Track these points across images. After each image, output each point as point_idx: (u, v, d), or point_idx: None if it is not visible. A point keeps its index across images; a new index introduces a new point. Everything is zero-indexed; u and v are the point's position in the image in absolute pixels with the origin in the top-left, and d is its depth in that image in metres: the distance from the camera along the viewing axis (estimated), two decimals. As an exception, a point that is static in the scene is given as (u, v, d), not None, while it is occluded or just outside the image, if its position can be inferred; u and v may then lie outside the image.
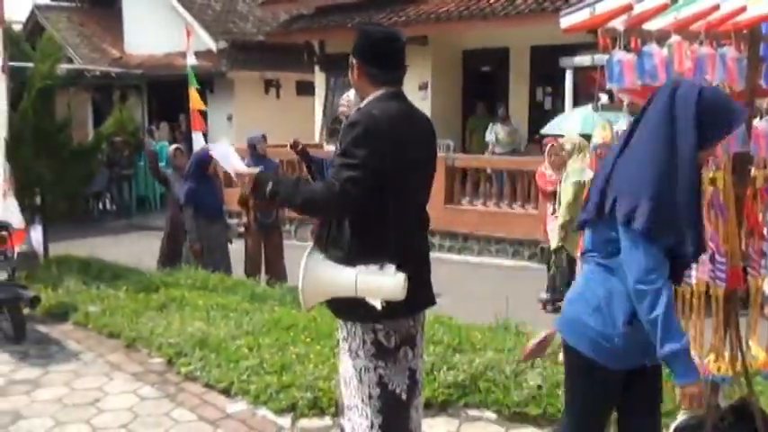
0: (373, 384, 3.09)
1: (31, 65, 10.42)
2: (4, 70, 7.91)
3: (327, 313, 5.69)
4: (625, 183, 2.61)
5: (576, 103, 12.13)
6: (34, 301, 6.42)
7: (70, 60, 19.34)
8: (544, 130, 9.63)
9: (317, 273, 2.95)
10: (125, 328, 6.18)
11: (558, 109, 13.27)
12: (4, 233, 6.59)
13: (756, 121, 3.34)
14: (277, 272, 9.00)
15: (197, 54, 13.25)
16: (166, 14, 19.82)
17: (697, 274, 3.26)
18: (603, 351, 2.71)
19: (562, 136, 8.76)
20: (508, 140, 14.16)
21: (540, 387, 4.56)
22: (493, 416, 4.52)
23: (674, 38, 3.12)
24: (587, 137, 6.99)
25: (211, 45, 18.92)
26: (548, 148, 8.70)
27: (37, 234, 8.98)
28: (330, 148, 12.84)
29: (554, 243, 8.20)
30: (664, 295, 2.51)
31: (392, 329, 3.08)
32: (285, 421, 4.56)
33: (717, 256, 3.26)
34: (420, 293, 3.12)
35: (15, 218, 7.41)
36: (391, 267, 2.91)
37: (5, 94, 7.87)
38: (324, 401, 4.56)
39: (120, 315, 6.50)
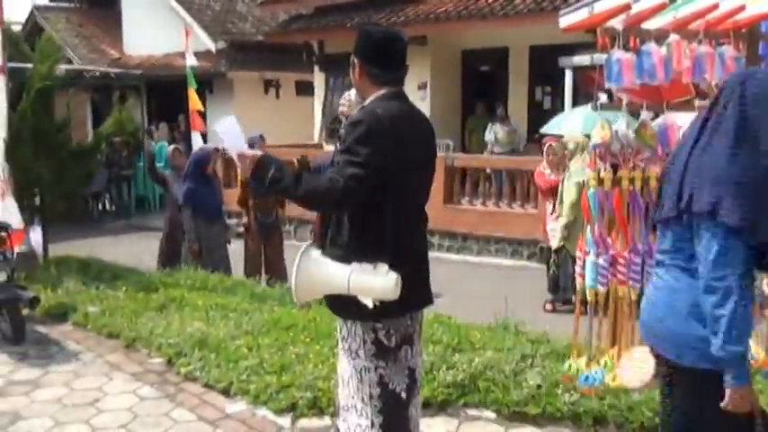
0: (374, 384, 3.09)
1: (30, 65, 10.39)
2: (4, 71, 7.91)
3: (327, 313, 5.71)
4: (705, 177, 2.50)
5: (575, 103, 12.14)
6: (33, 302, 6.42)
7: (69, 61, 19.33)
8: (544, 130, 9.64)
9: (311, 269, 2.95)
10: (124, 329, 6.18)
11: (557, 108, 13.27)
12: (3, 234, 6.59)
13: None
14: (277, 272, 9.00)
15: (196, 54, 13.27)
16: (165, 15, 19.82)
17: (696, 272, 3.25)
18: None
19: (561, 136, 8.76)
20: (507, 140, 14.17)
21: (539, 386, 4.55)
22: (492, 415, 4.51)
23: (673, 37, 3.13)
24: (590, 137, 7.00)
25: (210, 45, 18.91)
26: (546, 147, 8.70)
27: (36, 235, 8.98)
28: (330, 147, 12.84)
29: (555, 243, 8.20)
30: (734, 294, 2.41)
31: (392, 328, 3.08)
32: (285, 421, 4.56)
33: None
34: (418, 292, 3.13)
35: (14, 218, 7.41)
36: (384, 267, 2.91)
37: (5, 95, 7.88)
38: (323, 401, 4.55)
39: (119, 315, 6.50)
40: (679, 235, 2.62)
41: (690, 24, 3.23)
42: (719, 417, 2.55)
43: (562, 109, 12.50)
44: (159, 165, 12.18)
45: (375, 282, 2.89)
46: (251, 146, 9.32)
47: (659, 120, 3.27)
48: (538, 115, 14.16)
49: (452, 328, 5.68)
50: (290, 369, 5.01)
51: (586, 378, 3.25)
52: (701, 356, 2.56)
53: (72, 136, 11.63)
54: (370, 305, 2.92)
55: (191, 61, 12.36)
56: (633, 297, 3.22)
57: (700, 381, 2.61)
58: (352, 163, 2.88)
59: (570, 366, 3.33)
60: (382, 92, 3.08)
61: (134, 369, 5.57)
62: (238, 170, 10.08)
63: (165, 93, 18.67)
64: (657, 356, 2.78)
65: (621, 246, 3.22)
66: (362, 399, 3.11)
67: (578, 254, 3.31)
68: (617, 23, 3.12)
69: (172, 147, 9.92)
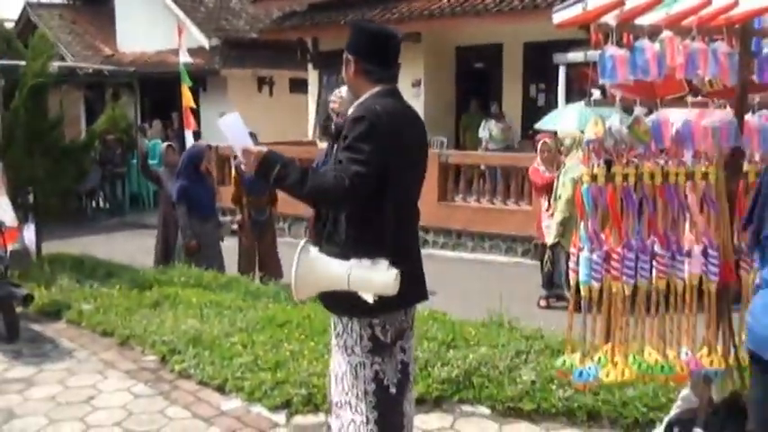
0: (368, 380, 3.10)
1: (23, 63, 10.37)
2: (-4, 68, 7.89)
3: (321, 310, 5.71)
4: None
5: (569, 100, 12.14)
6: (27, 300, 6.41)
7: (62, 58, 19.27)
8: (538, 126, 9.65)
9: (310, 266, 2.95)
10: (118, 326, 6.17)
11: (551, 105, 13.28)
12: (-4, 232, 6.57)
13: (748, 116, 3.35)
14: (271, 269, 9.00)
15: (189, 52, 13.24)
16: (159, 12, 19.78)
17: (690, 268, 3.27)
18: None
19: (555, 132, 8.77)
20: (502, 137, 14.19)
21: (533, 382, 4.57)
22: (487, 411, 4.52)
23: (666, 33, 3.13)
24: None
25: (204, 42, 18.88)
26: (540, 144, 8.71)
27: (30, 232, 8.94)
28: (323, 145, 12.84)
29: (550, 239, 8.21)
30: None
31: (388, 324, 3.10)
32: (280, 418, 4.56)
33: (709, 251, 3.27)
34: (413, 288, 3.14)
35: (8, 216, 7.37)
36: (384, 263, 2.92)
37: (-3, 93, 7.86)
38: (318, 398, 4.55)
39: (113, 313, 6.49)
40: None
41: (683, 20, 3.23)
42: None
43: (556, 105, 12.52)
44: (153, 162, 12.16)
45: (375, 277, 2.90)
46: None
47: (653, 116, 3.27)
48: (532, 112, 14.16)
49: (447, 324, 5.69)
50: (284, 366, 5.01)
51: (580, 374, 3.25)
52: None
53: (65, 133, 11.62)
54: (371, 300, 2.92)
55: (184, 58, 12.33)
56: (627, 293, 3.23)
57: None
58: (356, 160, 2.88)
59: (564, 362, 3.33)
60: (377, 89, 3.09)
61: (128, 367, 5.57)
62: (232, 167, 10.11)
63: (158, 90, 18.64)
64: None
65: (615, 241, 3.23)
66: (357, 395, 3.11)
67: (572, 249, 3.31)
68: (610, 19, 3.12)
69: (165, 144, 9.90)
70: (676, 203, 3.26)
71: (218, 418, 4.64)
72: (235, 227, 9.13)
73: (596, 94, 3.65)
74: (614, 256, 3.20)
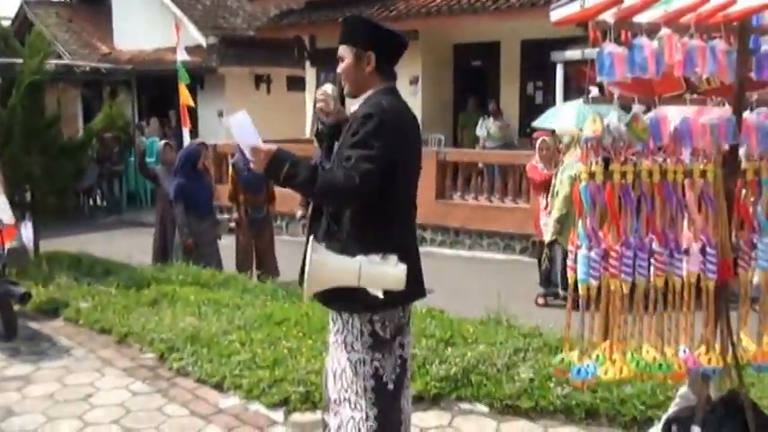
0: (368, 377, 3.11)
1: (19, 61, 10.33)
2: (-7, 66, 7.86)
3: (319, 308, 5.71)
4: None
5: (566, 97, 12.15)
6: (25, 298, 6.40)
7: (59, 56, 19.22)
8: (536, 124, 9.64)
9: (322, 263, 2.93)
10: (116, 324, 6.17)
11: (549, 103, 13.28)
12: (-7, 229, 6.57)
13: (746, 114, 3.34)
14: (268, 267, 9.00)
15: (186, 49, 13.21)
16: (156, 10, 19.74)
17: (688, 266, 3.27)
18: None
19: (553, 130, 8.76)
20: (499, 135, 14.19)
21: (531, 380, 4.58)
22: (485, 409, 4.53)
23: (665, 30, 3.12)
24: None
25: (201, 40, 18.85)
26: (539, 142, 8.71)
27: (27, 230, 8.92)
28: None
29: (548, 236, 8.21)
30: None
31: (387, 320, 3.12)
32: (278, 415, 4.57)
33: (707, 248, 3.27)
34: (412, 286, 3.15)
35: (5, 214, 7.36)
36: (393, 258, 2.95)
37: (-6, 90, 7.84)
38: (316, 396, 4.55)
39: (111, 311, 6.50)
40: None
41: (681, 18, 3.22)
42: None
43: (554, 103, 12.51)
44: (150, 160, 12.14)
45: (387, 272, 2.93)
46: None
47: (651, 113, 3.26)
48: (530, 110, 14.16)
49: (445, 322, 5.69)
50: (282, 364, 5.02)
51: (579, 371, 3.25)
52: None
53: (63, 131, 11.57)
54: (381, 296, 2.94)
55: (182, 56, 12.31)
56: (625, 291, 3.22)
57: None
58: (367, 157, 2.89)
59: (563, 360, 3.33)
60: (382, 87, 3.13)
61: (126, 364, 5.57)
62: (229, 165, 10.09)
63: (155, 88, 18.60)
64: None
65: (613, 239, 3.22)
66: (356, 392, 3.12)
67: (570, 247, 3.31)
68: (608, 17, 3.11)
69: (163, 142, 9.89)
70: (675, 201, 3.25)
71: (216, 416, 4.64)
72: (232, 225, 9.13)
73: (594, 91, 3.64)
74: (612, 254, 3.20)
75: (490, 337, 5.29)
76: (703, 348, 3.37)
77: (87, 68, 17.20)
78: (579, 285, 3.21)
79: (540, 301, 8.44)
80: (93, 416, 4.70)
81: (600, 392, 4.36)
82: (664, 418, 3.59)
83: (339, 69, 3.19)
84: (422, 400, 4.54)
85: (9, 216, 7.43)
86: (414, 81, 15.08)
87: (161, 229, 9.24)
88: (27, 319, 6.68)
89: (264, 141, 3.03)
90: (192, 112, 13.32)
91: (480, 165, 12.74)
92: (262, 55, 19.11)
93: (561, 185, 7.91)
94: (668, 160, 3.27)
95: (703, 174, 3.27)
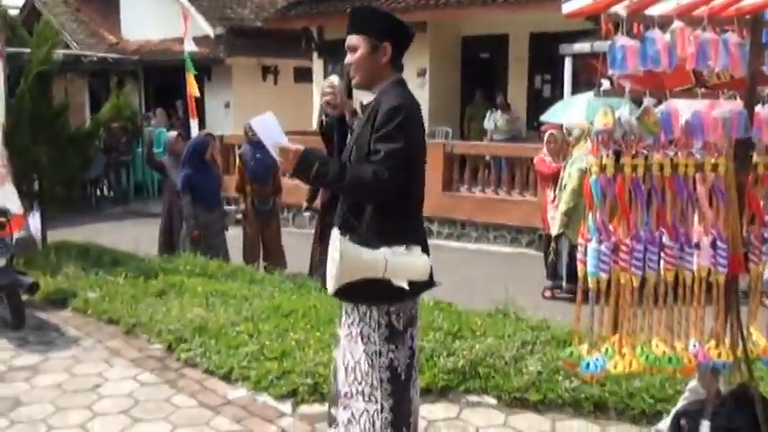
0: (383, 368, 3.14)
1: (27, 50, 10.34)
2: (2, 56, 7.87)
3: (327, 300, 5.72)
4: None
5: (575, 91, 12.10)
6: (33, 288, 6.42)
7: (67, 46, 19.24)
8: (544, 117, 9.61)
9: (354, 254, 2.92)
10: (124, 315, 6.18)
11: (556, 96, 13.25)
12: (2, 219, 6.58)
13: (759, 108, 3.32)
14: (275, 258, 9.01)
15: (194, 40, 13.21)
16: (163, 0, 19.72)
17: (698, 260, 3.26)
18: None
19: (561, 124, 8.73)
20: (507, 128, 14.17)
21: (539, 373, 4.57)
22: (493, 401, 4.53)
23: (677, 23, 3.10)
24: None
25: (208, 31, 18.82)
26: (547, 135, 8.68)
27: (35, 220, 8.97)
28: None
29: (555, 229, 8.20)
30: None
31: (401, 311, 3.14)
32: (286, 407, 4.57)
33: (718, 243, 3.26)
34: None
35: (13, 204, 7.38)
36: (417, 248, 3.01)
37: (3, 80, 7.84)
38: (324, 387, 4.55)
39: (119, 301, 6.51)
40: None
41: (694, 11, 3.21)
42: None
43: (562, 97, 12.48)
44: (157, 151, 12.14)
45: (413, 262, 2.98)
46: (245, 132, 9.34)
47: (662, 106, 3.25)
48: (537, 103, 14.15)
49: (453, 314, 5.69)
50: (290, 355, 5.02)
51: (588, 365, 3.24)
52: None
53: (70, 121, 11.58)
54: (406, 287, 2.97)
55: (189, 47, 12.31)
56: (635, 284, 3.22)
57: None
58: (395, 150, 2.91)
59: (572, 353, 3.32)
60: (395, 78, 3.15)
61: (134, 355, 5.58)
62: (236, 157, 10.08)
63: (162, 78, 18.60)
64: None
65: (623, 233, 3.21)
66: (372, 384, 3.13)
67: (580, 240, 3.30)
68: (621, 9, 3.10)
69: (175, 132, 9.88)
70: (685, 195, 3.24)
71: (224, 407, 4.65)
72: (239, 216, 9.14)
73: (606, 84, 3.63)
74: (623, 247, 3.19)
75: (498, 330, 5.28)
76: (713, 342, 3.36)
77: (95, 58, 17.21)
78: (589, 279, 3.20)
79: (547, 294, 8.44)
80: (102, 406, 4.71)
81: (608, 386, 4.35)
82: (673, 411, 3.58)
83: (349, 60, 3.17)
84: (430, 393, 4.54)
85: (17, 206, 7.46)
86: (421, 73, 15.05)
87: (167, 219, 9.25)
88: (35, 309, 6.70)
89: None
90: (199, 103, 13.31)
91: (487, 157, 12.72)
92: (269, 46, 19.07)
93: (570, 178, 7.89)
94: (679, 154, 3.26)
95: (714, 167, 3.25)
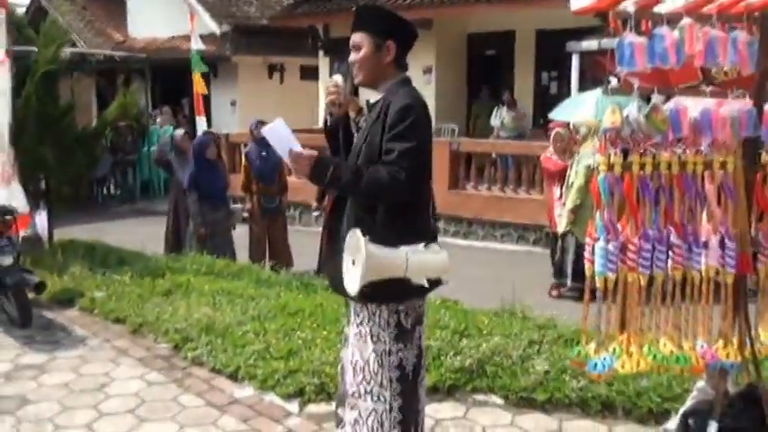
0: (393, 367, 3.14)
1: (34, 49, 10.37)
2: (8, 55, 7.88)
3: (333, 299, 5.72)
4: None
5: (582, 88, 12.06)
6: (40, 287, 6.42)
7: (73, 44, 19.27)
8: (553, 115, 9.56)
9: (378, 254, 2.90)
10: (131, 314, 6.19)
11: (563, 93, 13.20)
12: (8, 218, 6.60)
13: (767, 106, 3.30)
14: (282, 257, 9.01)
15: (200, 38, 13.19)
16: (169, -2, 19.75)
17: (706, 259, 3.24)
18: None
19: (568, 123, 8.69)
20: (513, 125, 14.13)
21: (547, 372, 4.56)
22: (500, 401, 4.51)
23: (686, 20, 3.08)
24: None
25: (215, 29, 18.81)
26: (553, 133, 8.65)
27: (41, 219, 8.98)
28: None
29: (562, 227, 8.18)
30: None
31: (410, 310, 3.15)
32: (293, 406, 4.56)
33: (726, 242, 3.24)
34: None
35: (20, 203, 7.40)
36: (435, 246, 3.03)
37: (9, 79, 7.85)
38: (331, 387, 4.54)
39: (125, 300, 6.51)
40: None
41: (702, 8, 3.18)
42: None
43: (569, 94, 12.43)
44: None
45: (434, 260, 3.00)
46: (250, 131, 9.32)
47: (670, 104, 3.23)
48: (544, 100, 14.11)
49: (459, 313, 5.68)
50: (297, 354, 5.02)
51: (595, 365, 3.23)
52: None
53: (77, 120, 11.62)
54: (426, 284, 2.99)
55: (196, 45, 12.29)
56: (643, 283, 3.20)
57: None
58: (410, 150, 2.91)
59: (579, 352, 3.31)
60: (401, 77, 3.15)
61: (141, 354, 5.58)
62: (242, 155, 10.08)
63: (169, 76, 18.61)
64: None
65: (631, 232, 3.19)
66: (381, 383, 3.12)
67: (587, 239, 3.28)
68: (629, 6, 3.08)
69: (181, 131, 9.89)
70: (693, 193, 3.22)
71: (231, 406, 4.65)
72: (245, 215, 9.14)
73: (614, 82, 3.61)
74: (630, 246, 3.17)
75: (505, 329, 5.27)
76: (721, 342, 3.34)
77: (101, 57, 17.23)
78: (597, 278, 3.18)
79: (554, 292, 8.41)
80: (109, 405, 4.71)
81: (616, 385, 4.33)
82: (681, 411, 3.57)
83: (353, 58, 3.16)
84: (437, 392, 4.53)
85: (23, 205, 7.48)
86: (427, 71, 15.02)
87: (174, 218, 9.26)
88: (42, 308, 6.71)
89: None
90: (205, 101, 13.30)
91: (494, 155, 12.69)
92: (275, 44, 19.08)
93: (576, 176, 7.86)
94: (687, 152, 3.23)
95: (723, 165, 3.23)
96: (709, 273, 3.26)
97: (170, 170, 9.40)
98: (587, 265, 3.24)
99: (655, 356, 3.24)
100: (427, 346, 4.22)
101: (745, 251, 3.30)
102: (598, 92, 7.96)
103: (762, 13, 3.22)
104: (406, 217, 3.04)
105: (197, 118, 11.89)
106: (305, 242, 9.45)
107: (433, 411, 4.31)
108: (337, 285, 3.13)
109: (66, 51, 12.24)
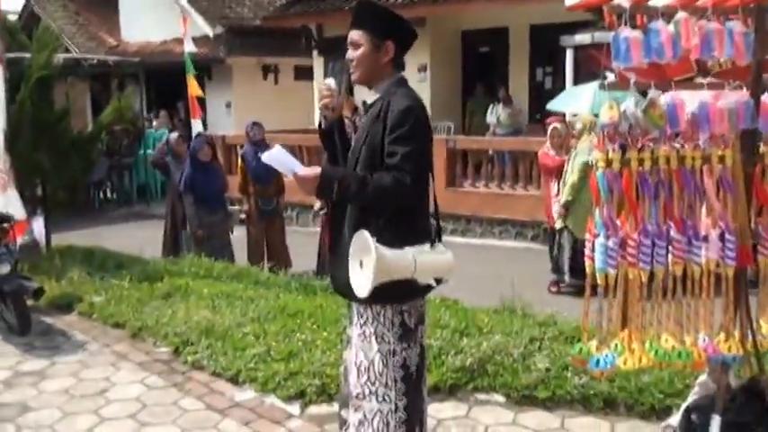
0: (397, 367, 3.13)
1: (27, 55, 10.35)
2: (2, 61, 7.86)
3: (333, 300, 5.71)
4: None
5: (576, 82, 12.06)
6: (38, 293, 6.40)
7: (67, 50, 19.22)
8: (551, 105, 9.52)
9: (387, 255, 2.89)
10: (130, 318, 6.17)
11: (558, 88, 13.18)
12: (5, 225, 6.57)
13: (765, 97, 3.29)
14: (280, 258, 9.00)
15: (194, 40, 13.17)
16: (162, 1, 19.68)
17: (707, 253, 3.23)
18: None
19: (564, 116, 8.70)
20: (509, 122, 14.12)
21: (548, 370, 4.55)
22: (501, 399, 4.50)
23: (681, 14, 3.07)
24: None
25: (208, 31, 18.79)
26: (551, 129, 8.65)
27: (39, 225, 8.95)
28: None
29: (558, 223, 8.18)
30: None
31: (413, 309, 3.15)
32: (294, 408, 4.55)
33: (726, 235, 3.23)
34: None
35: (17, 209, 7.38)
36: (441, 246, 3.05)
37: (3, 86, 7.83)
38: (332, 388, 4.54)
39: (124, 305, 6.49)
40: None
41: (697, 1, 3.17)
42: None
43: (563, 89, 12.42)
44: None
45: (441, 260, 3.02)
46: (246, 133, 9.31)
47: (667, 98, 3.22)
48: (539, 95, 14.11)
49: (459, 312, 5.67)
50: (297, 356, 5.01)
51: (597, 362, 3.22)
52: None
53: (72, 125, 11.60)
54: (434, 284, 3.02)
55: (189, 48, 12.27)
56: (643, 279, 3.19)
57: None
58: (413, 152, 2.91)
59: (581, 349, 3.29)
60: (397, 77, 3.14)
61: (141, 358, 5.56)
62: (239, 157, 10.07)
63: (163, 80, 18.57)
64: None
65: (631, 227, 3.18)
66: (386, 383, 3.12)
67: (587, 236, 3.26)
68: (624, 1, 3.06)
69: (175, 134, 9.87)
70: (693, 188, 3.21)
71: (231, 410, 4.63)
72: (242, 217, 9.12)
73: (611, 76, 3.59)
74: (630, 242, 3.16)
75: (505, 327, 5.26)
76: (723, 336, 3.33)
77: (95, 61, 17.18)
78: (597, 274, 3.17)
79: (553, 288, 8.41)
80: (109, 411, 4.70)
81: (618, 382, 4.33)
82: (683, 406, 3.55)
83: (351, 55, 3.12)
84: (438, 391, 4.52)
85: (20, 211, 7.46)
86: (422, 69, 15.01)
87: (171, 221, 9.24)
88: (41, 314, 6.68)
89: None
90: (201, 103, 13.27)
91: (490, 152, 12.67)
92: (269, 45, 19.06)
93: (572, 172, 7.86)
94: (685, 146, 3.22)
95: (721, 159, 3.22)
96: (709, 266, 3.25)
97: (167, 173, 9.38)
98: (587, 261, 3.23)
99: (657, 352, 3.23)
100: (428, 346, 4.20)
101: (745, 244, 3.29)
102: (595, 84, 7.96)
103: (757, 3, 3.21)
104: (406, 218, 3.02)
105: (192, 120, 11.87)
106: (303, 243, 9.44)
107: (435, 411, 4.30)
108: (343, 288, 3.11)
109: (60, 57, 12.20)
